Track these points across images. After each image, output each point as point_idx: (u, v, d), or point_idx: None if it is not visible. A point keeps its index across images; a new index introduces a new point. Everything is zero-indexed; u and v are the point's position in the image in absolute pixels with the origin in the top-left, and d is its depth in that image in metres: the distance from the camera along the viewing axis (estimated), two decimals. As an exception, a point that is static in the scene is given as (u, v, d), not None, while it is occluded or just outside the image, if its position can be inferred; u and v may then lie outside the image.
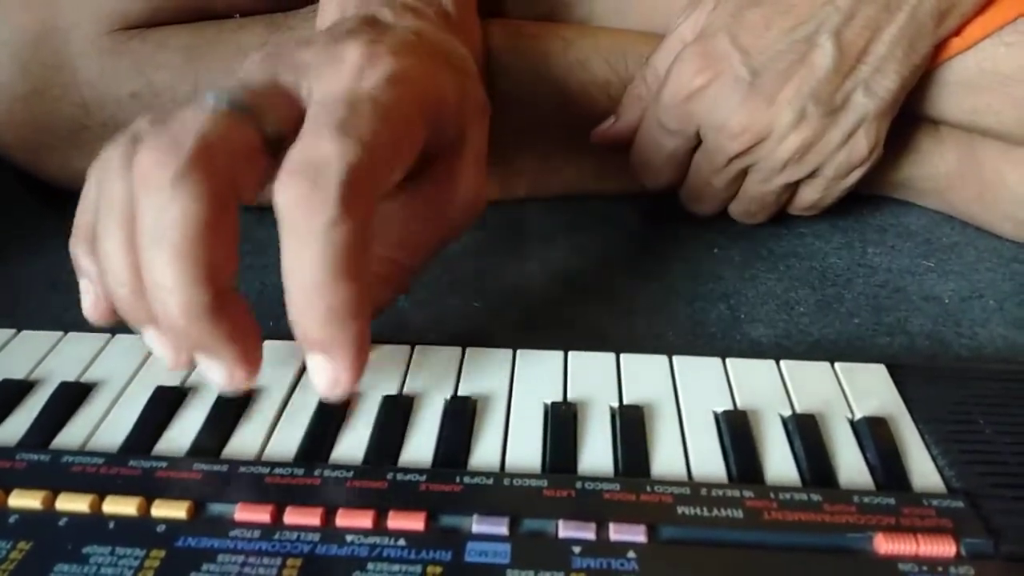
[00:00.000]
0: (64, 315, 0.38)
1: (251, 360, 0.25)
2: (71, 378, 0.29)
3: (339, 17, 0.33)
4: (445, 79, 0.29)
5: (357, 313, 0.24)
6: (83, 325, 0.32)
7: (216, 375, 0.25)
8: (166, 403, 0.28)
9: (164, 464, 0.25)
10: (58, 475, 0.25)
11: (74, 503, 0.24)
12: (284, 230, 0.23)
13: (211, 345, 0.24)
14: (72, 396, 0.28)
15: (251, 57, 0.28)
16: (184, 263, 0.23)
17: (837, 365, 0.30)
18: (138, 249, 0.24)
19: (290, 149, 0.24)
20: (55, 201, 0.46)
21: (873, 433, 0.27)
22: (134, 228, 0.24)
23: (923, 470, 0.26)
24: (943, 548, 0.23)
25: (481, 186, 0.31)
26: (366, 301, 0.24)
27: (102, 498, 0.24)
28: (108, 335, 0.31)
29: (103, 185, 0.25)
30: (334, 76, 0.26)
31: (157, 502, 0.24)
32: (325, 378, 0.25)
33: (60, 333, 0.31)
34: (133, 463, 0.25)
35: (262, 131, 0.25)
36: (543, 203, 0.47)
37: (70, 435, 0.27)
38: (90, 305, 0.27)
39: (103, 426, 0.27)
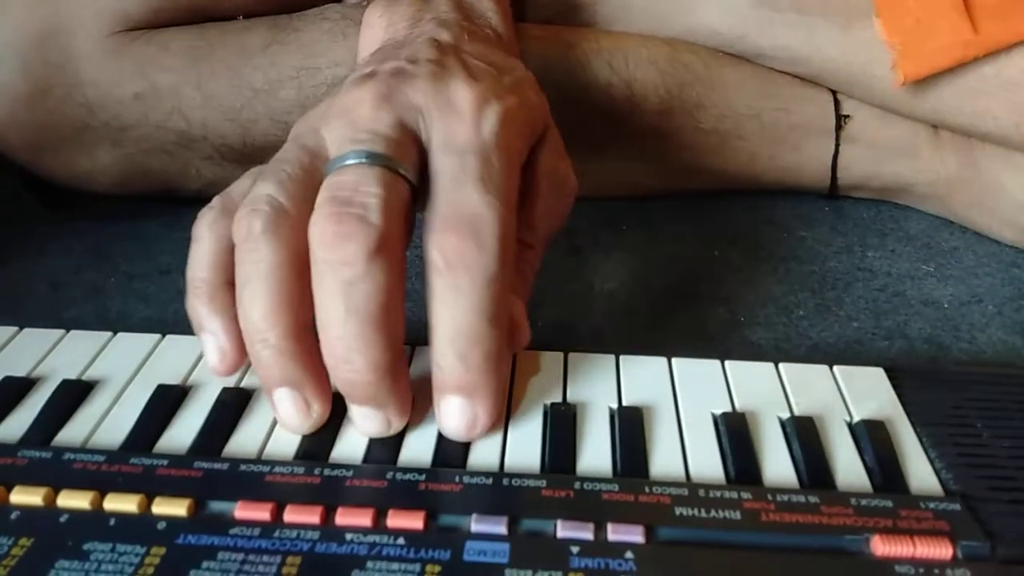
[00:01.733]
0: (65, 314, 0.39)
1: (407, 412, 0.27)
2: (73, 376, 0.29)
3: (387, 37, 0.33)
4: (532, 103, 0.31)
5: (503, 358, 0.26)
6: (84, 324, 0.32)
7: (375, 425, 0.26)
8: (167, 401, 0.28)
9: (165, 462, 0.25)
10: (59, 472, 0.25)
11: (75, 500, 0.24)
12: (441, 282, 0.25)
13: (382, 400, 0.26)
14: (74, 394, 0.28)
15: (359, 98, 0.28)
16: (375, 330, 0.24)
17: (836, 368, 0.30)
18: (322, 314, 0.25)
19: (436, 202, 0.26)
20: (57, 202, 0.46)
21: (871, 436, 0.27)
22: (281, 292, 0.25)
23: (920, 473, 0.26)
24: (940, 550, 0.23)
25: (567, 172, 0.33)
26: (507, 347, 0.26)
27: (103, 495, 0.24)
28: (110, 333, 0.31)
29: (245, 254, 0.26)
30: (454, 124, 0.27)
31: (158, 499, 0.24)
32: (464, 420, 0.26)
33: (62, 331, 0.32)
34: (134, 461, 0.25)
35: (410, 183, 0.26)
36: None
37: (71, 432, 0.27)
38: (217, 360, 0.27)
39: (104, 424, 0.27)
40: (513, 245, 0.26)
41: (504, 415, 0.27)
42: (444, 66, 0.29)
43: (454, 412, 0.26)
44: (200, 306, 0.27)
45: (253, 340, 0.26)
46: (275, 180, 0.26)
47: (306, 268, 0.25)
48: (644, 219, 0.46)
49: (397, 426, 0.26)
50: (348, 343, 0.24)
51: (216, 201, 0.28)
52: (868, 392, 0.29)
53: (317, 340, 0.26)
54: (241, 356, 0.27)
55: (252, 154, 0.43)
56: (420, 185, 0.27)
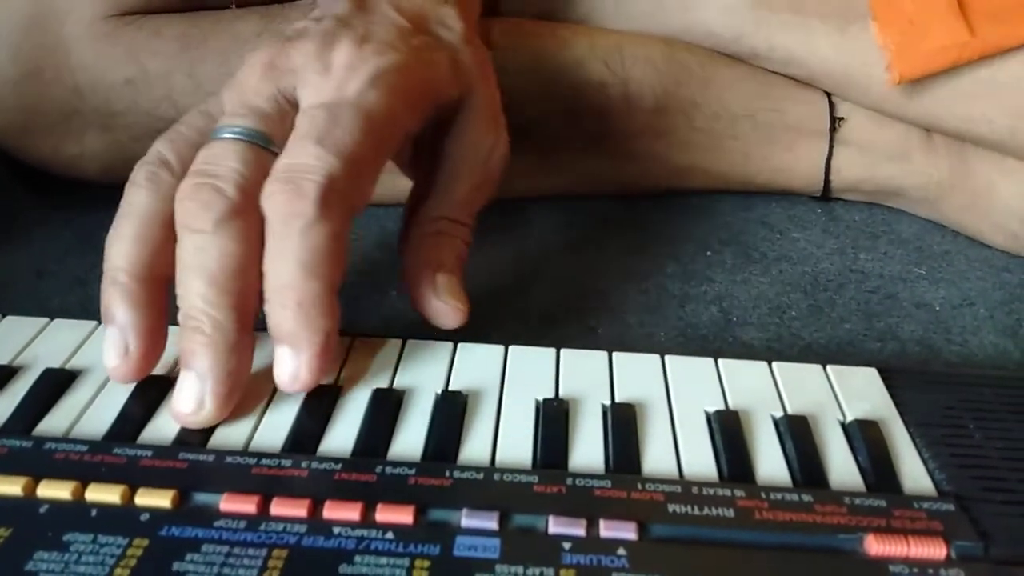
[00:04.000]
0: (49, 303, 0.38)
1: (231, 393, 0.26)
2: (56, 364, 0.29)
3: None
4: (434, 59, 0.31)
5: (325, 312, 0.26)
6: (68, 313, 0.31)
7: (187, 397, 0.26)
8: (152, 391, 0.27)
9: (149, 453, 0.25)
10: (40, 462, 0.24)
11: (56, 490, 0.23)
12: (268, 232, 0.26)
13: (210, 366, 0.26)
14: (56, 383, 0.28)
15: (251, 64, 0.29)
16: (219, 293, 0.26)
17: (829, 368, 0.30)
18: (178, 270, 0.26)
19: (277, 159, 0.27)
20: (43, 189, 0.46)
21: (864, 435, 0.27)
22: (140, 236, 0.27)
23: (914, 473, 0.26)
24: (934, 550, 0.23)
25: (499, 133, 0.33)
26: (334, 302, 0.27)
27: (85, 485, 0.23)
28: (95, 323, 0.31)
29: (125, 196, 0.28)
30: (321, 84, 0.28)
31: (141, 490, 0.23)
32: (287, 371, 0.26)
33: (46, 320, 0.31)
34: (117, 451, 0.25)
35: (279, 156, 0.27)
36: (537, 202, 0.47)
37: (54, 422, 0.26)
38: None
39: (87, 413, 0.27)
40: (348, 200, 0.27)
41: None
42: (344, 25, 0.30)
43: (279, 362, 0.26)
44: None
45: (107, 270, 0.27)
46: (170, 139, 0.29)
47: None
48: (637, 217, 0.46)
49: (211, 408, 0.26)
50: (193, 301, 0.26)
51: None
52: (861, 392, 0.29)
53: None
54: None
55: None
56: None
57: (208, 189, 0.26)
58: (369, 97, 0.28)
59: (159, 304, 0.27)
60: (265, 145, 0.27)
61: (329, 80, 0.28)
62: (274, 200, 0.26)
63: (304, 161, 0.26)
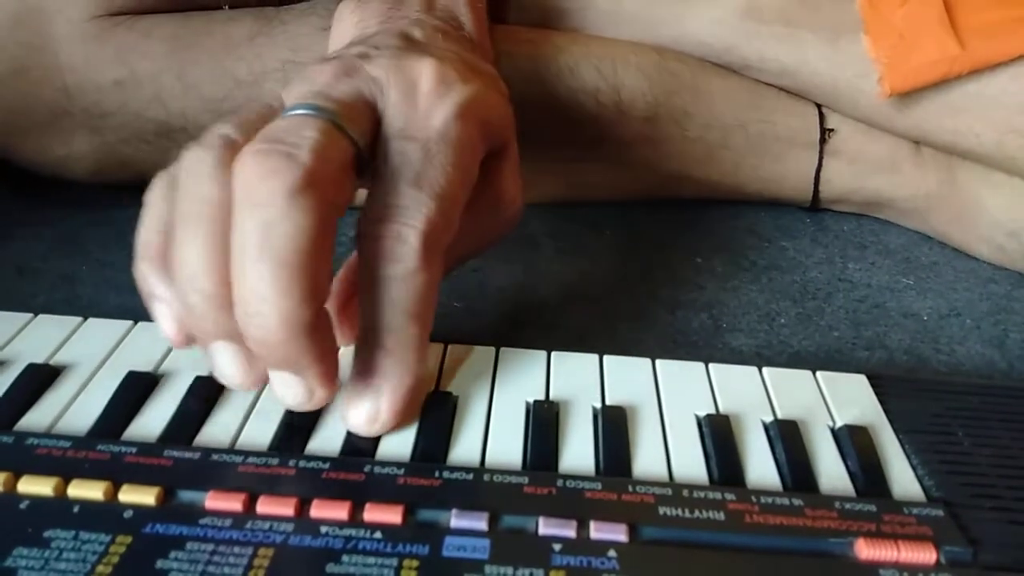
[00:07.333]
0: (32, 301, 0.37)
1: (333, 379, 0.25)
2: (39, 360, 0.28)
3: (358, 32, 0.32)
4: (495, 100, 0.30)
5: (422, 356, 0.26)
6: (52, 311, 0.31)
7: (295, 392, 0.25)
8: (138, 388, 0.27)
9: (134, 449, 0.24)
10: (21, 457, 0.24)
11: (37, 486, 0.23)
12: (368, 274, 0.25)
13: (301, 361, 0.24)
14: (40, 378, 0.27)
15: (320, 68, 0.27)
16: (291, 278, 0.22)
17: (819, 374, 0.30)
18: (235, 258, 0.22)
19: (371, 194, 0.25)
20: (26, 187, 0.45)
21: (854, 441, 0.27)
22: (221, 235, 0.23)
23: (903, 479, 0.26)
24: (924, 555, 0.23)
25: (519, 193, 0.32)
26: (426, 343, 0.26)
27: (67, 482, 0.23)
28: (79, 319, 0.30)
29: (187, 190, 0.24)
30: (407, 110, 0.26)
31: (125, 487, 0.23)
32: (365, 412, 0.25)
33: (29, 315, 0.30)
34: (101, 447, 0.24)
35: (354, 144, 0.25)
36: (528, 208, 0.47)
37: (36, 417, 0.26)
38: (171, 328, 0.25)
39: (71, 409, 0.26)
40: (443, 241, 0.26)
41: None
42: (410, 49, 0.28)
43: (355, 403, 0.25)
44: (149, 271, 0.25)
45: (186, 288, 0.23)
46: (232, 122, 0.25)
47: None
48: (628, 224, 0.46)
49: (321, 395, 0.25)
50: (260, 291, 0.22)
51: (170, 170, 0.26)
52: (851, 398, 0.29)
53: None
54: None
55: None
56: (367, 153, 0.26)
57: (277, 155, 0.22)
58: (456, 131, 0.26)
59: None
60: (342, 126, 0.25)
61: (414, 107, 0.26)
62: (375, 243, 0.24)
63: (402, 203, 0.25)
